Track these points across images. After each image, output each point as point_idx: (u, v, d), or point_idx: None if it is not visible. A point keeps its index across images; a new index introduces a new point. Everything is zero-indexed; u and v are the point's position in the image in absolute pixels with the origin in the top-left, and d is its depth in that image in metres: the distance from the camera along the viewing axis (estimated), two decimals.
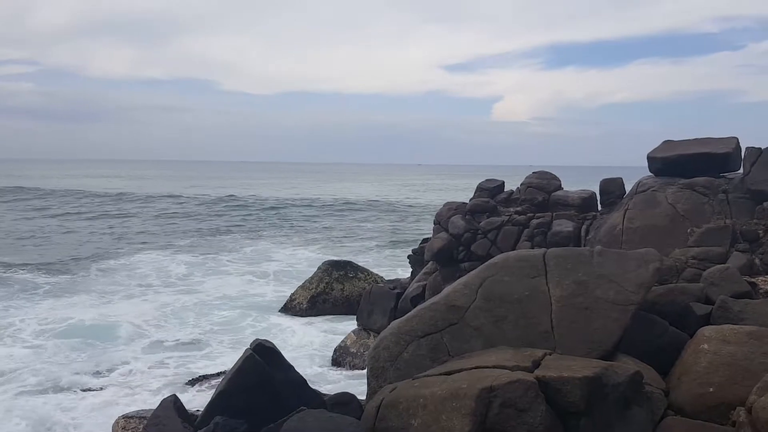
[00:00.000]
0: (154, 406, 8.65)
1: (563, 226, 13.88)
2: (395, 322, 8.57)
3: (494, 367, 6.86)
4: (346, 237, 37.01)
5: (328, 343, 15.51)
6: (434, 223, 15.55)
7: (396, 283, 16.24)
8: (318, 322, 17.69)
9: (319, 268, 19.34)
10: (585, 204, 14.68)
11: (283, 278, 23.77)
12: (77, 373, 13.66)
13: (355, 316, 15.88)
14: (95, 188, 71.89)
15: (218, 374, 12.93)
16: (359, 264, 20.46)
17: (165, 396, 8.89)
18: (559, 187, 15.45)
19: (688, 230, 12.16)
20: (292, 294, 18.99)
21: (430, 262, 15.03)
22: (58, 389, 12.70)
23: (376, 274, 19.63)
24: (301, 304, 18.35)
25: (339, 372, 14.01)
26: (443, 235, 14.68)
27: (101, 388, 12.79)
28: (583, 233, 13.69)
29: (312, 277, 19.09)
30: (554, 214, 14.35)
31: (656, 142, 14.75)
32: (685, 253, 11.17)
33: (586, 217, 14.15)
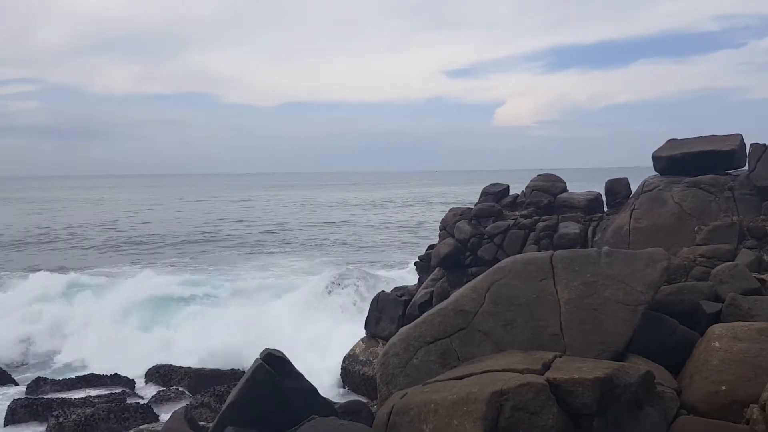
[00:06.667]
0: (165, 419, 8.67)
1: (569, 228, 13.84)
2: (404, 329, 8.55)
3: (504, 370, 6.83)
4: None
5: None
6: (440, 229, 15.51)
7: (403, 290, 16.16)
8: None
9: None
10: (591, 205, 14.66)
11: None
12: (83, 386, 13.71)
13: None
14: None
15: (229, 385, 12.90)
16: None
17: (176, 408, 8.90)
18: (565, 190, 15.44)
19: (695, 228, 12.13)
20: None
21: (437, 268, 14.99)
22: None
23: None
24: None
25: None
26: (449, 240, 14.66)
27: (111, 402, 12.78)
28: (589, 234, 13.66)
29: None
30: (560, 216, 14.33)
31: (661, 142, 14.75)
32: (693, 252, 11.13)
33: (593, 219, 14.12)
